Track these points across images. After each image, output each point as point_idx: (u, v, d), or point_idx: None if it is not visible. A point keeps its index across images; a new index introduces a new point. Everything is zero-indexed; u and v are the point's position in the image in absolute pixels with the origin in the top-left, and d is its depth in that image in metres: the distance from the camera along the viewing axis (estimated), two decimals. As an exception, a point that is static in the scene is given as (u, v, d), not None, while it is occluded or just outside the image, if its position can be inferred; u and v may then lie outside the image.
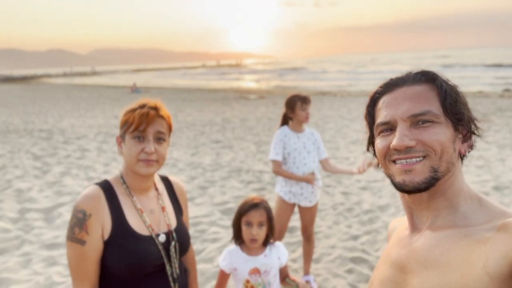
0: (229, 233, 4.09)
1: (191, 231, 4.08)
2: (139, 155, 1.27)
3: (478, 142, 7.54)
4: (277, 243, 1.90)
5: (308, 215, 3.03)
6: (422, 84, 0.79)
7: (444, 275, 0.69)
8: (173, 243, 1.35)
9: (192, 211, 4.64)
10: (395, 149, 0.77)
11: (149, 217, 1.34)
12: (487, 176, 5.59)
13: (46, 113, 15.04)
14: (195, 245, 3.79)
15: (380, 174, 5.91)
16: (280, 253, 1.87)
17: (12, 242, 3.90)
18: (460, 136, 0.79)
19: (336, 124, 10.59)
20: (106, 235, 1.25)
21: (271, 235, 1.85)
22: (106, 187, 1.31)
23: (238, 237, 1.85)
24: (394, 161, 0.78)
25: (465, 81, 23.84)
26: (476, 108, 12.19)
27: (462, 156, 0.80)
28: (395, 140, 0.76)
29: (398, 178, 0.77)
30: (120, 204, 1.30)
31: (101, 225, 1.24)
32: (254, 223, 1.77)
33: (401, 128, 0.77)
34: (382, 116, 0.82)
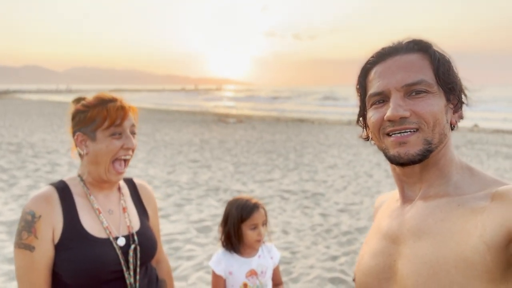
0: (205, 251, 3.95)
1: (166, 248, 3.90)
2: (118, 153, 1.19)
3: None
4: (268, 243, 1.83)
5: None
6: (414, 53, 0.78)
7: (438, 244, 0.67)
8: (132, 246, 1.21)
9: (167, 228, 4.47)
10: (389, 120, 0.75)
11: (107, 218, 1.22)
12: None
13: (16, 127, 14.50)
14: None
15: (357, 197, 5.93)
16: (272, 253, 1.81)
17: (-31, 255, 3.61)
18: (451, 106, 0.78)
19: (314, 149, 10.68)
20: (57, 238, 1.12)
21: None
22: (61, 187, 1.20)
23: (234, 243, 1.73)
24: (388, 134, 0.76)
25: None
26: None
27: (452, 127, 0.80)
28: (390, 111, 0.74)
29: (393, 151, 0.75)
30: (74, 204, 1.18)
31: (52, 228, 1.12)
32: (259, 225, 1.71)
33: (395, 98, 0.75)
34: (374, 86, 0.79)
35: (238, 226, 1.70)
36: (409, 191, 0.82)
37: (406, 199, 0.82)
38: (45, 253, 1.11)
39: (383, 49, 0.81)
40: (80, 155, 1.25)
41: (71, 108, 1.27)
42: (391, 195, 0.95)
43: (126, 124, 1.20)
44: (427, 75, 0.75)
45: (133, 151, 1.24)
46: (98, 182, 1.25)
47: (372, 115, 0.80)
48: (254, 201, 1.75)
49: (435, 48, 0.78)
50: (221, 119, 20.37)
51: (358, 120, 0.89)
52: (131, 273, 1.20)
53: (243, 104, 43.25)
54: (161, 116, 21.39)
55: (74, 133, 1.23)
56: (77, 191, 1.22)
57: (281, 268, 3.25)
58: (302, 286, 3.29)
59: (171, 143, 11.27)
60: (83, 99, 1.27)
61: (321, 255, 3.91)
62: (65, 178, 1.25)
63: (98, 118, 1.18)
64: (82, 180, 1.24)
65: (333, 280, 3.39)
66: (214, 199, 5.75)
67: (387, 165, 8.19)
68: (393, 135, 0.75)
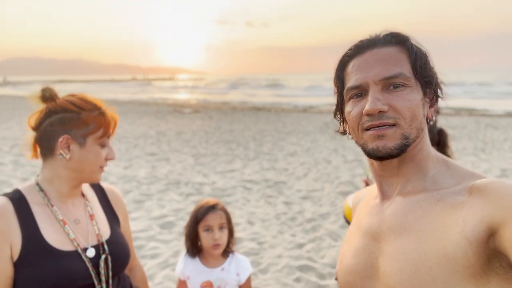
0: (170, 247, 3.83)
1: (128, 248, 3.73)
2: (102, 163, 1.14)
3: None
4: (241, 256, 1.72)
5: None
6: (392, 46, 0.78)
7: (419, 240, 0.68)
8: (103, 256, 1.12)
9: (127, 226, 4.28)
10: (367, 114, 0.74)
11: (73, 229, 1.11)
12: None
13: None
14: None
15: (318, 184, 6.05)
16: (240, 269, 1.66)
17: None
18: (428, 100, 0.78)
19: (273, 137, 10.75)
20: (16, 255, 1.01)
21: (232, 240, 1.69)
22: (16, 198, 1.07)
23: (194, 248, 1.66)
24: (366, 129, 0.76)
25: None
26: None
27: (428, 121, 0.80)
28: (368, 105, 0.73)
29: (371, 145, 0.75)
30: (33, 216, 1.06)
31: (9, 244, 1.00)
32: (214, 227, 1.61)
33: (373, 92, 0.74)
34: (353, 79, 0.78)
35: (194, 228, 1.64)
36: (387, 186, 0.82)
37: (384, 195, 0.82)
38: (3, 272, 0.99)
39: (360, 41, 0.80)
40: (43, 157, 1.12)
41: (37, 101, 1.13)
42: (369, 191, 0.95)
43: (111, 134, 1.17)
44: (404, 68, 0.75)
45: None
46: (70, 189, 1.13)
47: (352, 110, 0.79)
48: (213, 202, 1.67)
49: (412, 41, 0.78)
50: (177, 109, 19.90)
51: (335, 114, 0.88)
52: (103, 285, 1.10)
53: (197, 94, 42.57)
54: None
55: (53, 133, 1.09)
56: (35, 201, 1.09)
57: (250, 259, 3.22)
58: (272, 277, 3.29)
59: (125, 136, 10.82)
60: (53, 92, 1.13)
61: (287, 244, 3.94)
62: (20, 187, 1.12)
63: (93, 124, 1.10)
64: (41, 189, 1.11)
65: (301, 268, 3.43)
66: (175, 193, 5.59)
67: (344, 150, 8.51)
68: (371, 129, 0.75)
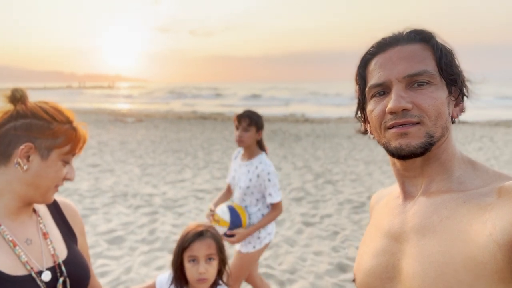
0: (120, 264, 3.59)
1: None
2: (60, 181, 1.03)
3: (348, 160, 8.53)
4: None
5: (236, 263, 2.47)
6: (416, 43, 0.76)
7: (445, 242, 0.65)
8: (61, 280, 0.99)
9: (71, 244, 3.95)
10: (391, 113, 0.72)
11: (25, 250, 0.98)
12: (361, 188, 6.27)
13: None
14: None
15: (271, 191, 6.07)
16: None
17: None
18: (453, 98, 0.77)
19: (222, 145, 10.67)
20: None
21: (223, 271, 1.47)
22: None
23: (180, 279, 1.44)
24: (389, 128, 0.74)
25: (329, 109, 27.07)
26: (340, 132, 13.85)
27: (453, 120, 0.79)
28: (392, 102, 0.71)
29: (394, 143, 0.73)
30: None
31: None
32: (200, 258, 1.39)
33: (397, 90, 0.73)
34: (375, 77, 0.76)
35: (178, 256, 1.43)
36: (410, 186, 0.79)
37: (407, 195, 0.80)
38: None
39: (383, 39, 0.78)
40: None
41: (5, 101, 0.98)
42: (389, 191, 0.92)
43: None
44: (429, 65, 0.73)
45: None
46: (20, 206, 0.99)
47: (374, 109, 0.77)
48: (201, 228, 1.45)
49: (437, 38, 0.76)
50: (118, 118, 19.03)
51: (356, 113, 0.85)
52: None
53: (140, 102, 41.14)
54: (46, 117, 19.02)
55: (16, 138, 0.95)
56: None
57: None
58: None
59: (63, 147, 10.10)
60: (24, 94, 0.99)
61: (245, 253, 3.87)
62: None
63: (63, 138, 0.99)
64: None
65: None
66: (123, 206, 5.28)
67: (293, 158, 8.67)
68: (394, 128, 0.73)
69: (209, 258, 1.40)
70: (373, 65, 0.78)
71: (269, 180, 2.37)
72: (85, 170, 7.44)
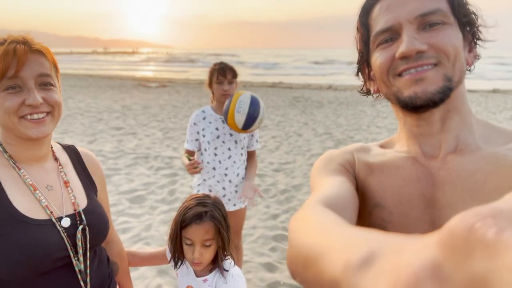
0: (141, 222, 3.72)
1: (96, 223, 3.58)
2: (18, 111, 0.90)
3: (371, 127, 8.34)
4: (235, 273, 1.34)
5: (233, 221, 2.51)
6: None
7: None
8: (80, 227, 0.99)
9: (95, 201, 4.11)
10: (402, 58, 0.63)
11: (46, 195, 0.98)
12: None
13: None
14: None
15: (290, 157, 6.06)
16: None
17: None
18: (467, 43, 0.69)
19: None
20: None
21: (224, 252, 1.32)
22: None
23: (179, 255, 1.33)
24: (399, 75, 0.65)
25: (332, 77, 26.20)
26: (364, 99, 13.49)
27: (468, 68, 0.71)
28: (404, 44, 0.62)
29: (408, 91, 0.64)
30: None
31: None
32: (196, 243, 1.26)
33: (408, 31, 0.64)
34: (382, 22, 0.67)
35: (176, 232, 1.29)
36: (427, 146, 0.70)
37: (427, 156, 0.69)
38: None
39: None
40: None
41: None
42: (376, 151, 0.77)
43: (26, 73, 0.90)
44: (441, 4, 0.65)
45: (53, 105, 0.96)
46: (22, 149, 0.98)
47: (379, 56, 0.68)
48: (201, 209, 1.27)
49: None
50: (142, 83, 19.19)
51: (358, 70, 0.76)
52: (80, 258, 0.98)
53: (164, 68, 41.22)
54: (72, 82, 19.40)
55: None
56: (0, 163, 0.95)
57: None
58: (247, 247, 3.28)
59: (88, 110, 10.32)
60: None
61: (262, 215, 3.92)
62: None
63: None
64: (5, 151, 0.96)
65: (276, 238, 3.44)
66: (144, 167, 5.41)
67: (314, 124, 8.54)
68: (406, 74, 0.64)
69: (206, 245, 1.27)
70: (377, 9, 0.69)
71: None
72: (109, 132, 7.62)
